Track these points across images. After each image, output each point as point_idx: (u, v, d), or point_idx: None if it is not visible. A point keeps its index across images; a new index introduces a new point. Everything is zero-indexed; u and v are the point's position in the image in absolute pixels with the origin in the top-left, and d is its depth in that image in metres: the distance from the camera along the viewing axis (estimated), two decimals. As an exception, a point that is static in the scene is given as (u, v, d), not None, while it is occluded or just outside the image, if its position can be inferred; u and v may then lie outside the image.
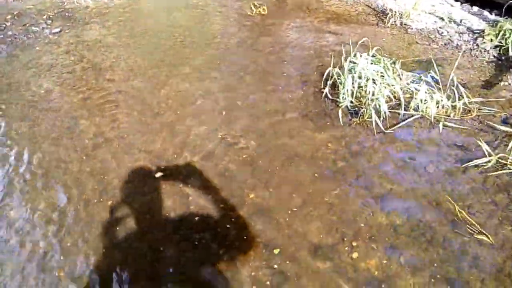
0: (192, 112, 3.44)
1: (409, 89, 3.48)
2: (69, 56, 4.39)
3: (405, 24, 4.84)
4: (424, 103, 3.27)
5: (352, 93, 3.45)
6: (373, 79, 3.47)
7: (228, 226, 2.44)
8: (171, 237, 2.40)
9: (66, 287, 2.18)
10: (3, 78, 4.03)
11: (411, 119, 3.22)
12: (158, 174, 2.84)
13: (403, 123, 3.20)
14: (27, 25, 5.09)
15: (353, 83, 3.48)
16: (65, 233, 2.47)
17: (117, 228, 2.49)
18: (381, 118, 3.19)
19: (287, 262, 2.21)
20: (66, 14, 5.42)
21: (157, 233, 2.43)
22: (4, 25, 5.06)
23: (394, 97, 3.41)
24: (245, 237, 2.37)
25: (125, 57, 4.35)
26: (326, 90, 3.58)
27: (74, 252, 2.36)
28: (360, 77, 3.50)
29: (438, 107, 3.27)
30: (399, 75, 3.65)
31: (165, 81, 3.87)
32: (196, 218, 2.51)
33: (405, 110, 3.25)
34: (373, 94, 3.34)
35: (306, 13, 5.37)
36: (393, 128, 3.16)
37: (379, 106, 3.24)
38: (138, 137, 3.19)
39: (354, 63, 3.68)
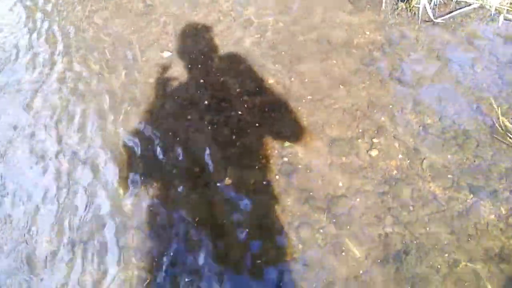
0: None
1: (473, -29, 2.93)
2: None
3: None
4: (487, -10, 2.76)
5: (405, -26, 2.95)
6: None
7: (240, 112, 2.31)
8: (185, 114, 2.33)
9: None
10: None
11: (467, 8, 2.75)
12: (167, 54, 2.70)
13: (457, 12, 2.75)
14: None
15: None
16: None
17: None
18: (432, 5, 2.74)
19: (299, 154, 2.09)
20: None
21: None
22: None
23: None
24: (257, 125, 2.24)
25: None
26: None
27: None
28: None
29: (503, -4, 2.76)
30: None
31: None
32: (211, 101, 2.39)
33: (461, -2, 2.78)
34: (428, -23, 2.84)
35: None
36: (443, 17, 2.72)
37: (433, -10, 2.77)
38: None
39: None
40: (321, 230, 1.78)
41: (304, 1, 2.96)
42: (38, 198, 2.05)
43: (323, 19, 2.82)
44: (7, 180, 2.16)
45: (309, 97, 2.33)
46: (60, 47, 2.93)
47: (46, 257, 1.83)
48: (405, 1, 2.85)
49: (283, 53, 2.62)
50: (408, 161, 1.98)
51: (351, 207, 1.84)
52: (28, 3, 3.42)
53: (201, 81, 2.50)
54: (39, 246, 1.87)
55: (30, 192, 2.09)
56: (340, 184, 1.93)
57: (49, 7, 3.32)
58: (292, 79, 2.45)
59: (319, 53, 2.59)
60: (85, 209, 1.98)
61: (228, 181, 2.01)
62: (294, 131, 2.18)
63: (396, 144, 2.06)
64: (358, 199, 1.86)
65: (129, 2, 3.19)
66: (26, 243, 1.88)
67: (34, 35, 3.06)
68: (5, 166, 2.23)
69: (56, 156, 2.23)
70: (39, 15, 3.26)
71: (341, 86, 2.38)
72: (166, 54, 2.70)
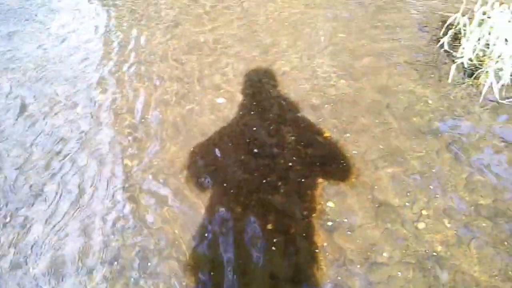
0: (291, 34, 3.27)
1: (548, 58, 2.89)
2: None
3: None
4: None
5: (474, 49, 2.97)
6: (505, 39, 2.93)
7: (290, 161, 2.38)
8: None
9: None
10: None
11: (538, 93, 2.71)
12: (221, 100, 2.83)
13: (526, 96, 2.71)
14: None
15: (479, 38, 2.98)
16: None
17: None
18: (500, 85, 2.72)
19: (344, 212, 2.10)
20: None
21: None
22: None
23: (526, 64, 2.87)
24: (305, 175, 2.29)
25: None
26: (445, 39, 3.13)
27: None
28: (490, 33, 2.98)
29: None
30: (541, 39, 3.02)
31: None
32: (263, 146, 2.49)
33: (535, 82, 2.74)
34: (499, 56, 2.83)
35: None
36: (510, 99, 2.69)
37: (502, 70, 2.75)
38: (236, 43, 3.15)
39: (489, 16, 3.12)
40: (356, 296, 1.76)
41: (371, 63, 3.04)
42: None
43: (387, 83, 2.87)
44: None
45: (362, 157, 2.36)
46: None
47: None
48: (473, 78, 2.85)
49: (342, 110, 2.69)
50: (456, 239, 1.94)
51: (390, 277, 1.81)
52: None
53: (258, 124, 2.62)
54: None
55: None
56: (382, 251, 1.91)
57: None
58: (348, 135, 2.50)
59: (378, 115, 2.63)
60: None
61: (269, 226, 2.05)
62: (341, 189, 2.20)
63: (445, 220, 2.02)
64: (398, 271, 1.83)
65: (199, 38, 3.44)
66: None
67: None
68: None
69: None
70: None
71: (395, 151, 2.39)
72: (220, 100, 2.83)
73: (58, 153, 2.50)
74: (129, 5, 3.81)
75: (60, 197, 2.23)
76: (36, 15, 3.81)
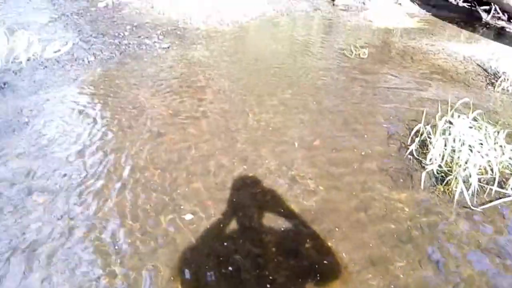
0: (268, 143, 3.42)
1: (511, 164, 3.09)
2: (170, 71, 4.69)
3: (519, 91, 4.37)
4: (527, 185, 2.87)
5: (442, 156, 3.16)
6: (469, 146, 3.15)
7: (273, 273, 2.33)
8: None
9: None
10: (108, 81, 4.42)
11: (507, 199, 2.83)
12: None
13: (496, 202, 2.82)
14: (142, 37, 5.58)
15: (445, 146, 3.20)
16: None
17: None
18: (470, 192, 2.85)
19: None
20: (178, 32, 5.85)
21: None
22: (122, 34, 5.62)
23: (491, 170, 3.05)
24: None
25: (218, 79, 4.53)
26: (413, 147, 3.33)
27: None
28: (454, 141, 3.20)
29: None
30: (501, 146, 3.26)
31: (250, 109, 3.93)
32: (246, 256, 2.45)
33: (500, 187, 2.89)
34: (466, 163, 3.01)
35: (408, 63, 5.15)
36: (482, 206, 2.80)
37: (470, 177, 2.91)
38: (212, 155, 3.24)
39: (451, 123, 3.39)
40: None
41: (346, 169, 3.17)
42: None
43: (362, 189, 2.97)
44: None
45: (346, 268, 2.34)
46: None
47: None
48: (443, 185, 2.99)
49: (322, 217, 2.72)
50: None
51: None
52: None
53: (239, 235, 2.60)
54: None
55: None
56: None
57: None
58: (329, 244, 2.50)
59: (358, 224, 2.67)
60: None
61: None
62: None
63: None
64: None
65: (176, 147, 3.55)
66: None
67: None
68: None
69: None
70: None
71: (378, 261, 2.38)
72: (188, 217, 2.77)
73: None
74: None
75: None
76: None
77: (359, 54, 5.25)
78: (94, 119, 3.71)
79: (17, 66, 4.55)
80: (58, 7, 6.62)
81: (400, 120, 3.84)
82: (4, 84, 4.15)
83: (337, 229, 2.64)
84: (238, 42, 5.70)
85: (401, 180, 3.07)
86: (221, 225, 2.65)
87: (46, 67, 4.58)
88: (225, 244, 2.52)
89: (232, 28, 6.17)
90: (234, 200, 2.86)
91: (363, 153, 3.35)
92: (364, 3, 7.48)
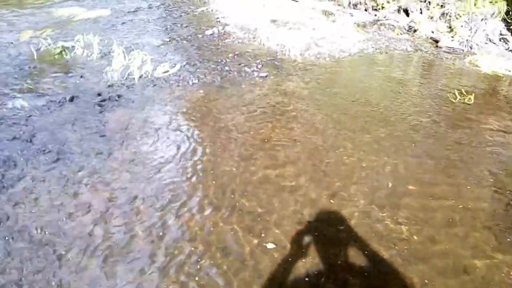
0: (359, 181, 3.32)
1: None
2: (266, 99, 4.83)
3: None
4: None
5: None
6: None
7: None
8: None
9: None
10: (207, 102, 4.68)
11: None
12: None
13: None
14: (242, 65, 5.86)
15: None
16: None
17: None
18: None
19: None
20: (276, 63, 6.04)
21: None
22: (224, 61, 5.95)
23: None
24: None
25: (312, 111, 4.55)
26: (524, 206, 2.99)
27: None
28: None
29: None
30: None
31: (341, 144, 3.86)
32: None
33: None
34: None
35: (521, 114, 4.70)
36: None
37: None
38: (300, 186, 3.22)
39: None
40: None
41: (443, 220, 2.93)
42: None
43: (461, 245, 2.72)
44: None
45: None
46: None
47: None
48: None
49: (412, 270, 2.53)
50: None
51: None
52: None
53: (322, 272, 2.52)
54: None
55: None
56: None
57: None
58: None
59: (455, 284, 2.43)
60: None
61: None
62: None
63: None
64: None
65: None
66: None
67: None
68: None
69: None
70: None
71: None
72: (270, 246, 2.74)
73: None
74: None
75: None
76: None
77: (464, 100, 4.92)
78: (191, 137, 3.93)
79: (130, 81, 5.04)
80: (170, 32, 7.24)
81: (509, 176, 3.48)
82: (119, 96, 4.61)
83: (426, 281, 2.43)
84: (334, 77, 5.70)
85: (508, 240, 2.75)
86: (303, 259, 2.59)
87: (155, 85, 5.01)
88: (306, 279, 2.45)
89: (329, 62, 6.21)
90: (319, 234, 2.79)
91: (463, 206, 3.08)
92: (471, 47, 7.07)
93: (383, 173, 3.46)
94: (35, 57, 5.59)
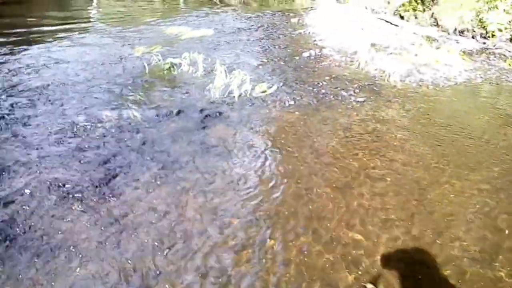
0: (469, 224, 3.05)
1: None
2: (363, 125, 4.70)
3: None
4: None
5: None
6: None
7: None
8: None
9: None
10: (303, 125, 4.68)
11: None
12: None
13: None
14: (338, 88, 5.79)
15: None
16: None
17: None
18: None
19: None
20: (374, 88, 5.87)
21: None
22: (320, 84, 5.94)
23: None
24: None
25: (413, 142, 4.31)
26: None
27: None
28: None
29: None
30: None
31: (448, 181, 3.60)
32: None
33: None
34: None
35: None
36: None
37: None
38: (402, 220, 3.05)
39: None
40: None
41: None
42: None
43: None
44: None
45: None
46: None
47: None
48: None
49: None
50: None
51: None
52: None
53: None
54: None
55: None
56: None
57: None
58: None
59: None
60: None
61: None
62: None
63: None
64: None
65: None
66: None
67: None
68: None
69: None
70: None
71: None
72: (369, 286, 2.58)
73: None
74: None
75: None
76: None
77: None
78: (287, 159, 3.95)
79: (230, 99, 5.24)
80: (268, 53, 7.45)
81: None
82: (219, 113, 4.82)
83: None
84: (437, 106, 5.37)
85: None
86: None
87: (253, 104, 5.16)
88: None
89: (432, 90, 5.87)
90: (423, 278, 2.60)
91: None
92: None
93: (496, 216, 3.14)
94: (147, 71, 6.09)
